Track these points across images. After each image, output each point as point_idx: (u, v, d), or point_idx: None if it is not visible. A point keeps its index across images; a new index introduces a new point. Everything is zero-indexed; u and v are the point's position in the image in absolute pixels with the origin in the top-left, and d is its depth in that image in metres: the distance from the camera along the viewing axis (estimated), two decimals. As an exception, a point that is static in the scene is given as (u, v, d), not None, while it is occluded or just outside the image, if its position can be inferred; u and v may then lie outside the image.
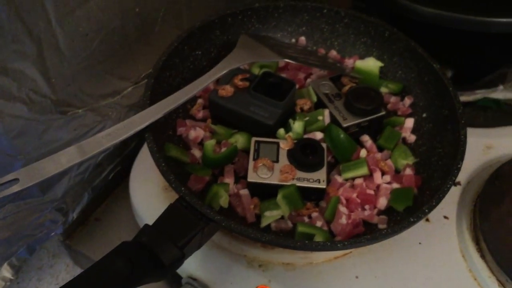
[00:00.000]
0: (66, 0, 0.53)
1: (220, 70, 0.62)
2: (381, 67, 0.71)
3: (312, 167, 0.59)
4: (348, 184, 0.61)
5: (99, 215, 0.74)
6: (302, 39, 0.75)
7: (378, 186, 0.61)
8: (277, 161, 0.59)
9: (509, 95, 0.80)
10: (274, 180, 0.58)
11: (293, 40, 0.76)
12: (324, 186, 0.58)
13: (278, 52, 0.66)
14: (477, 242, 0.62)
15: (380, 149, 0.64)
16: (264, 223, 0.57)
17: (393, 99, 0.70)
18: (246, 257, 0.61)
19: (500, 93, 0.80)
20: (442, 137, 0.63)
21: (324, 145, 0.60)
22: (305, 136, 0.63)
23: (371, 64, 0.71)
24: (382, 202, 0.59)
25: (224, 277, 0.60)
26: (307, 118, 0.64)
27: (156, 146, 0.56)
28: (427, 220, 0.64)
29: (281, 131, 0.62)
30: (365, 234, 0.57)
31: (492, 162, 0.70)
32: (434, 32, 0.73)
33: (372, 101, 0.64)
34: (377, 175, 0.61)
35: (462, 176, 0.68)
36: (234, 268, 0.60)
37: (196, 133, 0.63)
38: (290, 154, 0.60)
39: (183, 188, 0.52)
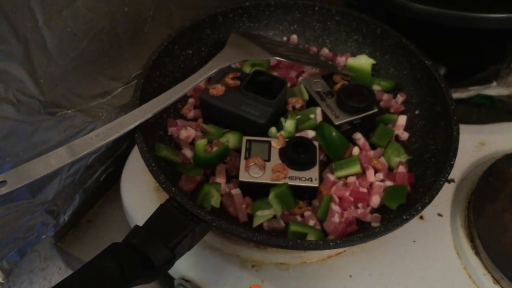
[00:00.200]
0: (52, 0, 0.52)
1: (210, 69, 0.62)
2: (373, 65, 0.71)
3: (304, 166, 0.58)
4: (340, 182, 0.60)
5: (91, 217, 0.73)
6: (294, 37, 0.75)
7: (371, 184, 0.60)
8: (268, 160, 0.59)
9: (502, 92, 0.80)
10: (266, 179, 0.57)
11: (285, 38, 0.75)
12: (317, 185, 0.57)
13: (269, 50, 0.66)
14: (471, 239, 0.61)
15: (373, 146, 0.64)
16: (256, 222, 0.57)
17: (385, 96, 0.69)
18: (239, 258, 0.60)
19: (493, 90, 0.80)
20: (434, 134, 0.63)
21: (316, 143, 0.60)
22: (297, 134, 0.62)
23: (363, 62, 0.70)
24: (375, 200, 0.59)
25: (217, 278, 0.59)
26: (299, 117, 0.63)
27: (147, 146, 0.55)
28: (421, 217, 0.64)
29: (273, 129, 0.62)
30: (358, 232, 0.57)
31: (485, 159, 0.70)
32: (427, 30, 0.73)
33: (364, 99, 0.63)
34: (370, 173, 0.60)
35: (456, 173, 0.68)
36: (227, 268, 0.60)
37: (187, 132, 0.63)
38: (282, 152, 0.59)
39: (173, 188, 0.51)
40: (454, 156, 0.57)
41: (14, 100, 0.53)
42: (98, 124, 0.65)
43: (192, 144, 0.63)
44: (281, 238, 0.56)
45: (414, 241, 0.62)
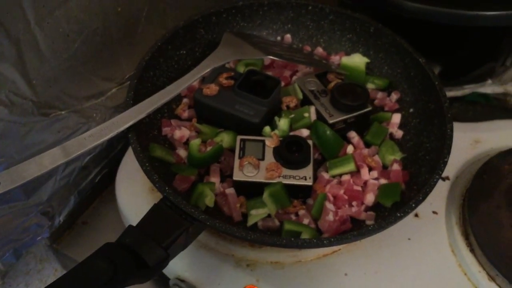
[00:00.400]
0: (44, 1, 0.52)
1: (203, 68, 0.62)
2: (367, 63, 0.71)
3: (298, 164, 0.58)
4: (335, 180, 0.60)
5: (87, 218, 0.73)
6: (288, 36, 0.75)
7: (365, 182, 0.60)
8: (263, 159, 0.59)
9: (497, 90, 0.80)
10: (260, 178, 0.57)
11: (279, 38, 0.75)
12: (311, 183, 0.57)
13: (263, 50, 0.66)
14: (466, 236, 0.61)
15: (367, 145, 0.64)
16: (250, 221, 0.57)
17: (380, 94, 0.69)
18: (234, 257, 0.60)
19: (488, 88, 0.80)
20: (429, 131, 0.63)
21: (310, 142, 0.60)
22: (291, 133, 0.62)
23: (357, 60, 0.70)
24: (370, 198, 0.59)
25: (212, 278, 0.59)
26: (292, 115, 0.63)
27: (140, 146, 0.55)
28: (416, 215, 0.64)
29: (267, 128, 0.62)
30: (352, 230, 0.56)
31: (480, 156, 0.70)
32: (421, 28, 0.73)
33: (358, 97, 0.63)
34: (364, 171, 0.60)
35: (451, 171, 0.68)
36: (222, 268, 0.59)
37: (181, 132, 0.63)
38: (276, 151, 0.59)
39: (167, 188, 0.51)
40: (448, 153, 0.57)
41: (7, 101, 0.53)
42: (92, 125, 0.65)
43: (186, 144, 0.63)
44: (275, 236, 0.55)
45: (409, 239, 0.62)
